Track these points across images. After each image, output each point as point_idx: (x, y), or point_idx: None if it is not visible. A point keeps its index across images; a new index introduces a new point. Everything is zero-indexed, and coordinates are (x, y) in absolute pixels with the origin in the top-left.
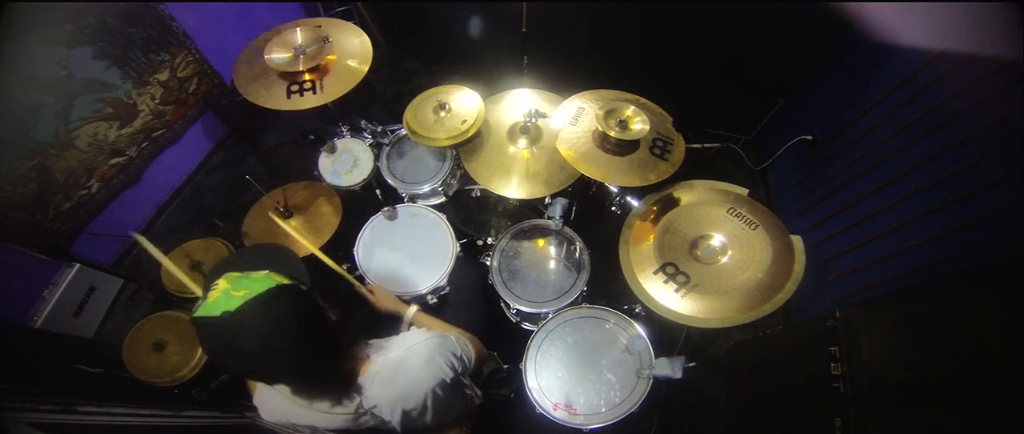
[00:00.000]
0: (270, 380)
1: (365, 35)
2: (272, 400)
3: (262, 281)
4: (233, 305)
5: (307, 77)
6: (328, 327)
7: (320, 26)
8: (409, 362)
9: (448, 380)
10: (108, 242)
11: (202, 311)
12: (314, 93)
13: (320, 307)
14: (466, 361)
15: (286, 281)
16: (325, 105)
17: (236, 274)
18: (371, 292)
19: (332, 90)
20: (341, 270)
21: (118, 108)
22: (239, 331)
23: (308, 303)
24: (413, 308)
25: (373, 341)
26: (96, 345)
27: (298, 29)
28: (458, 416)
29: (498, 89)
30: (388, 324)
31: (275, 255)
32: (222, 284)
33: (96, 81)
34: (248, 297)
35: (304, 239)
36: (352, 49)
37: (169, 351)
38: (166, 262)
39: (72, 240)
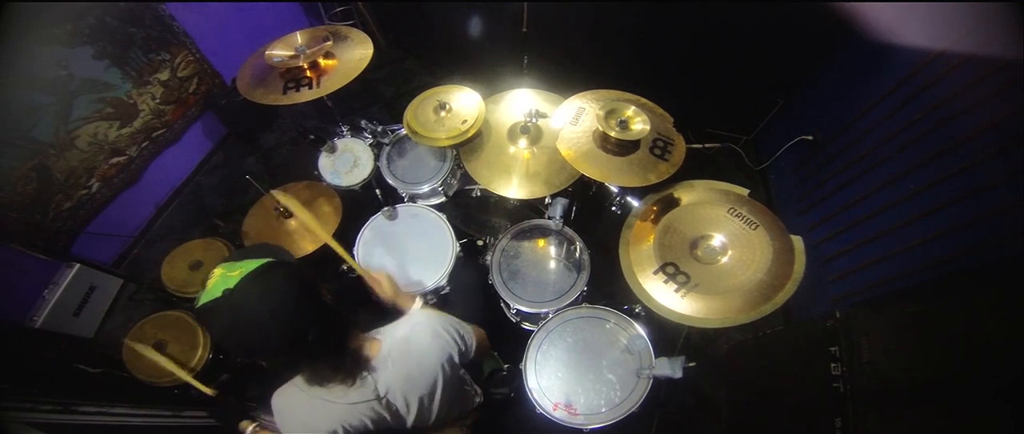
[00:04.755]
0: (277, 358)
1: (367, 41)
2: (290, 402)
3: (252, 263)
4: (231, 283)
5: (308, 74)
6: (325, 300)
7: (328, 39)
8: (417, 338)
9: (455, 356)
10: (108, 242)
11: (204, 298)
12: (310, 88)
13: (315, 281)
14: (467, 343)
15: (272, 260)
16: (326, 105)
17: (228, 264)
18: (378, 281)
19: (329, 84)
20: (349, 257)
21: (118, 108)
22: (242, 304)
23: (301, 276)
24: (419, 302)
25: (379, 328)
26: (96, 345)
27: (299, 34)
28: (459, 413)
29: (498, 89)
30: (393, 316)
31: (268, 251)
32: (217, 272)
33: (96, 81)
34: (243, 273)
35: (315, 226)
36: (352, 57)
37: (169, 351)
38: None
39: (72, 240)
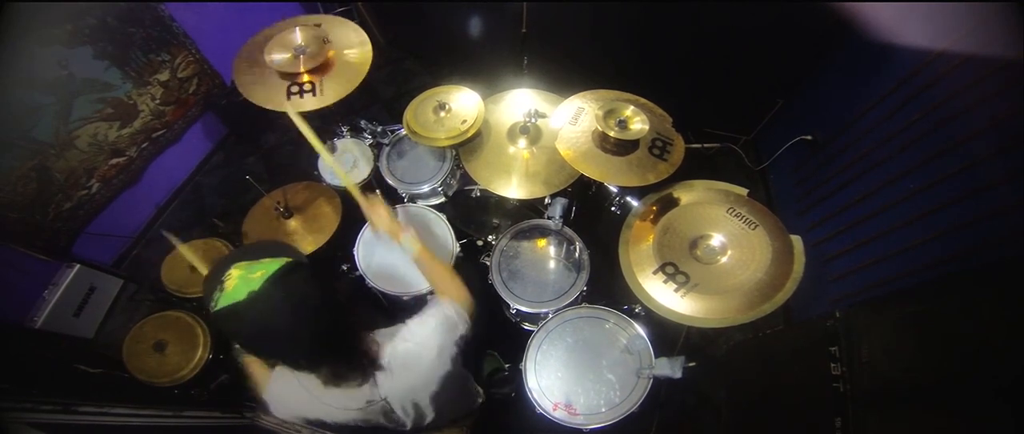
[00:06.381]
0: (300, 360)
1: (363, 31)
2: (287, 391)
3: (272, 263)
4: (255, 285)
5: (306, 78)
6: (340, 299)
7: (319, 25)
8: (422, 357)
9: (452, 369)
10: (108, 242)
11: (224, 301)
12: (314, 95)
13: (330, 281)
14: (467, 335)
15: (292, 260)
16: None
17: (245, 263)
18: (373, 207)
19: (332, 92)
20: (342, 174)
21: (118, 108)
22: (269, 305)
23: (319, 278)
24: (411, 232)
25: (380, 331)
26: (96, 345)
27: (298, 29)
28: (464, 413)
29: (498, 89)
30: (391, 317)
31: (275, 248)
32: (235, 273)
33: (96, 81)
34: (266, 275)
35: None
36: (350, 44)
37: (169, 351)
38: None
39: (72, 240)
